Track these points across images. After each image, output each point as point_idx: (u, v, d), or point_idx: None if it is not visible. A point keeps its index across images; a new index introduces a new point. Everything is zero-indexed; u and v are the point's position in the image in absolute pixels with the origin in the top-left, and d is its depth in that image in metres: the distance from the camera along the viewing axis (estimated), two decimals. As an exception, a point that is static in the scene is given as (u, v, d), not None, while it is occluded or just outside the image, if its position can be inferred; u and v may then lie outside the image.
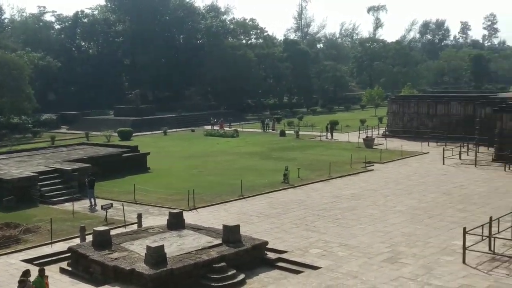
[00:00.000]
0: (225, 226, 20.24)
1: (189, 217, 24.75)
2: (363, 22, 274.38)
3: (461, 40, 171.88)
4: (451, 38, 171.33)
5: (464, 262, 18.88)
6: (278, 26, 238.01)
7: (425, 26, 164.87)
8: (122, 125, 63.92)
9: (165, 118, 73.76)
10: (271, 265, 19.76)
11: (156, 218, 25.67)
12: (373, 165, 38.96)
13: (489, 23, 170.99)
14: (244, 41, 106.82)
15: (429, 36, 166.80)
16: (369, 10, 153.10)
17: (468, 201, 27.75)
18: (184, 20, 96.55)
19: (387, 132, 56.62)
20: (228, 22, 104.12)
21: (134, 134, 61.38)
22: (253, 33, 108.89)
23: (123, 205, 26.60)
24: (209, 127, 69.34)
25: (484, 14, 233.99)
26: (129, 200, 29.35)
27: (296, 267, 19.30)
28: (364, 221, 24.70)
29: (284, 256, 20.30)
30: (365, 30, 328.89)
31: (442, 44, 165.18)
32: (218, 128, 67.12)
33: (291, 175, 33.93)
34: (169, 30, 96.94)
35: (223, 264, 18.42)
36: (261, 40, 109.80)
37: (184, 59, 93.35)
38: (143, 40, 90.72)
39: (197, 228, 21.95)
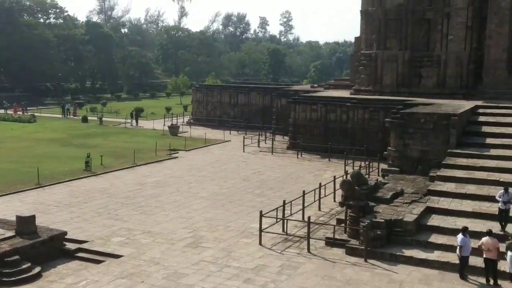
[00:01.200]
0: (18, 217, 18.85)
1: (-23, 209, 22.63)
2: (168, 9, 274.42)
3: (260, 34, 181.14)
4: (252, 32, 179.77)
5: (260, 243, 20.14)
6: (80, 7, 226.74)
7: (228, 19, 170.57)
8: None
9: None
10: (70, 256, 18.96)
11: None
12: (177, 153, 39.43)
13: (285, 19, 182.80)
14: (42, 20, 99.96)
15: (231, 29, 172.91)
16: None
17: (265, 186, 29.57)
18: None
19: (191, 120, 57.68)
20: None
21: None
22: (52, 12, 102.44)
23: None
24: (2, 111, 63.74)
25: (281, 11, 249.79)
26: None
27: (98, 257, 18.79)
28: (168, 207, 24.93)
29: (84, 246, 19.63)
30: (170, 18, 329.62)
31: (243, 37, 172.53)
32: (12, 112, 62.08)
33: (94, 162, 32.86)
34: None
35: (16, 257, 17.20)
36: (61, 20, 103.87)
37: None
38: None
39: (-14, 221, 20.13)
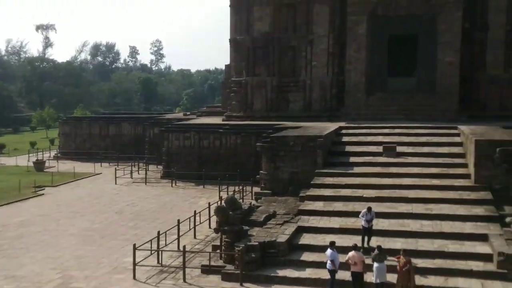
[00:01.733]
0: None
1: None
2: (32, 40, 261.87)
3: (131, 63, 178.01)
4: (122, 61, 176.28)
5: (134, 278, 19.48)
6: None
7: (96, 48, 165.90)
8: None
9: None
10: None
11: None
12: (44, 189, 37.27)
13: (155, 48, 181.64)
14: None
15: (100, 58, 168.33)
16: (37, 28, 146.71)
17: (139, 218, 28.79)
18: None
19: (59, 154, 55.02)
20: None
21: None
22: None
23: None
24: None
25: (151, 40, 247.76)
26: None
27: (-48, 310, 17.10)
28: (34, 248, 23.37)
29: None
30: (34, 49, 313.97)
31: (113, 66, 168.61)
32: None
33: None
34: None
35: None
36: None
37: None
38: None
39: None
